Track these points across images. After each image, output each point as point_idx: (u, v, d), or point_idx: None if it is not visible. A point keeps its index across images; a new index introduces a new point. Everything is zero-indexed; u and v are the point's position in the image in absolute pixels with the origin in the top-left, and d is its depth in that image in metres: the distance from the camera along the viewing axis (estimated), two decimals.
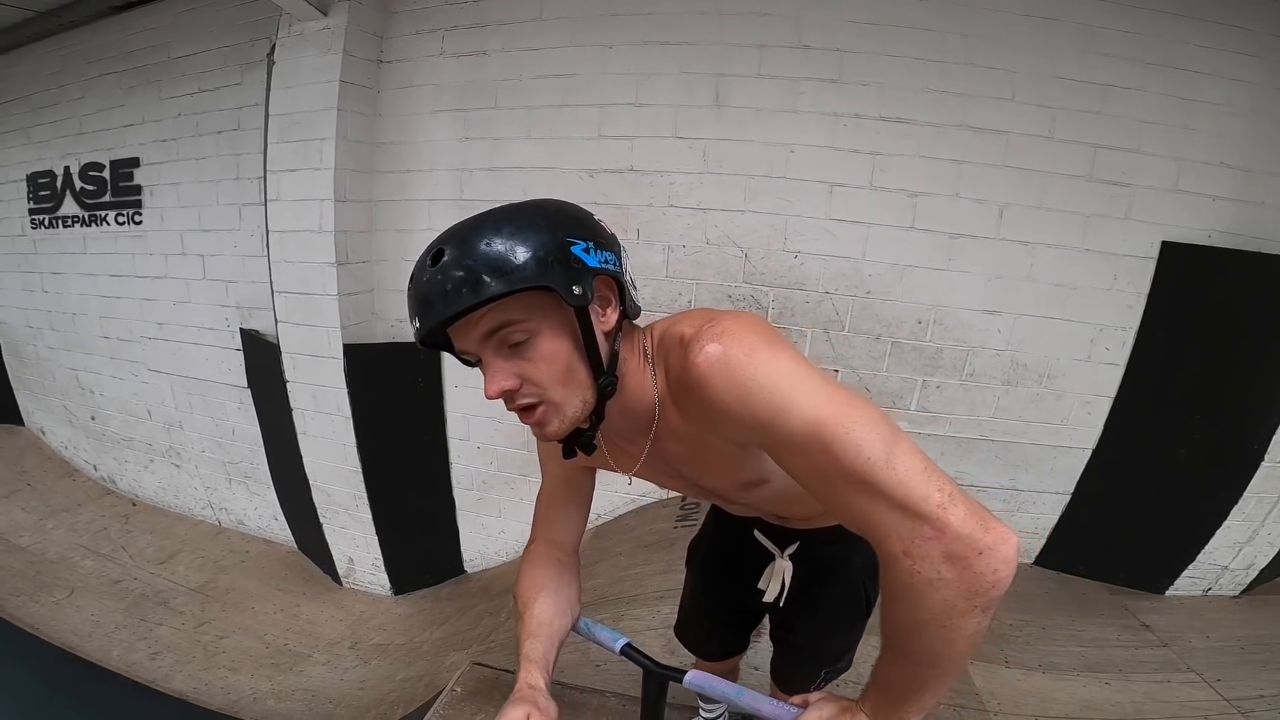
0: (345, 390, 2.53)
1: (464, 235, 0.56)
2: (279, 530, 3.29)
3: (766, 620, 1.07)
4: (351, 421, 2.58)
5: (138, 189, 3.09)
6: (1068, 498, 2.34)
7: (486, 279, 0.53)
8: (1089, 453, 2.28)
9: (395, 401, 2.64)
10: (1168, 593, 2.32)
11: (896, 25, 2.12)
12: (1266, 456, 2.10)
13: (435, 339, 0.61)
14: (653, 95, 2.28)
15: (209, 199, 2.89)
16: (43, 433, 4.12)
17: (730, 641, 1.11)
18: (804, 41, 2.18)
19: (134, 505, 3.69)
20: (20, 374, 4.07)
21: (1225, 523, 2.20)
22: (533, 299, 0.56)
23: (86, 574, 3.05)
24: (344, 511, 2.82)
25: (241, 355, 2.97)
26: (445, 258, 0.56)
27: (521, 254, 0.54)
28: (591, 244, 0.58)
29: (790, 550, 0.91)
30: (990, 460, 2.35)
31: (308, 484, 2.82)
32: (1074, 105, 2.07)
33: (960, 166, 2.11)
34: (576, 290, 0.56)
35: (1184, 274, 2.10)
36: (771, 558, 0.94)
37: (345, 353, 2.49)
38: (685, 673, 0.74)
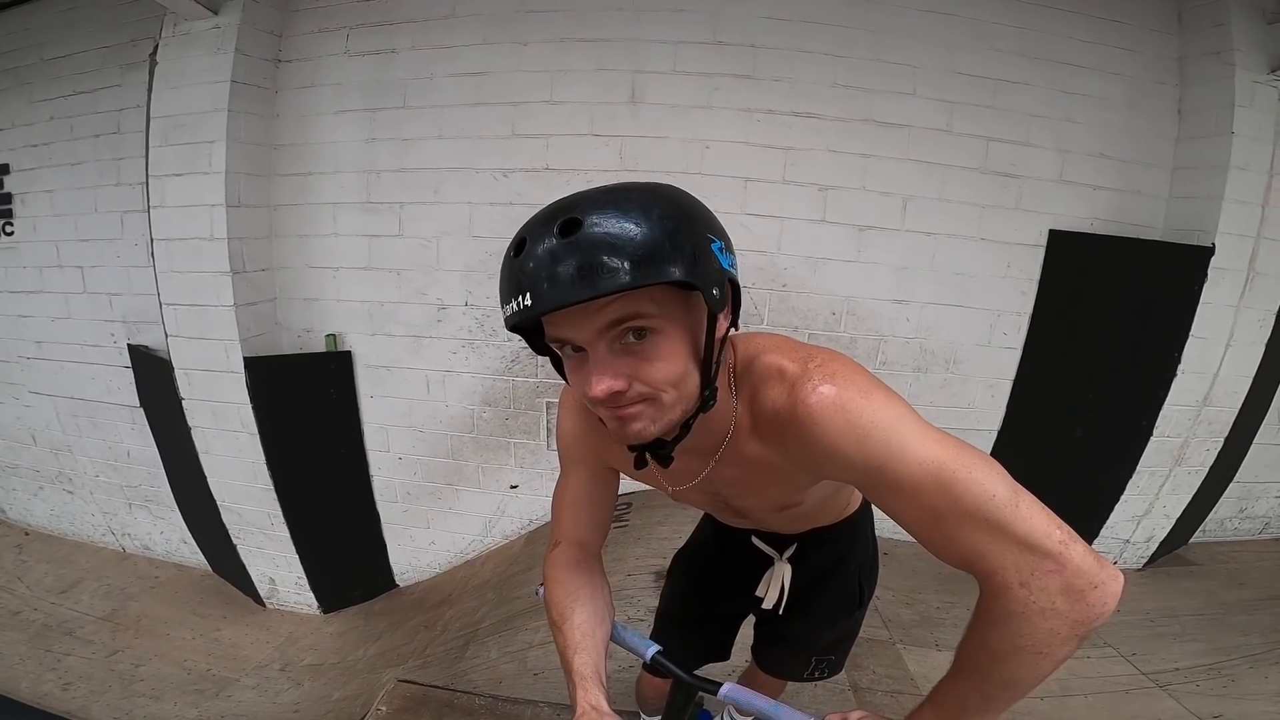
0: (249, 406, 2.39)
1: (603, 207, 0.48)
2: (190, 554, 3.10)
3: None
4: (258, 438, 2.44)
5: (7, 197, 2.83)
6: None
7: (636, 263, 0.46)
8: (995, 434, 2.38)
9: (306, 415, 2.51)
10: None
11: (807, 21, 2.16)
12: (1155, 431, 2.24)
13: (530, 321, 0.52)
14: (568, 92, 2.25)
15: (86, 207, 2.68)
16: None
17: (709, 651, 1.06)
18: (719, 37, 2.19)
19: (27, 534, 3.42)
20: None
21: (1123, 497, 2.33)
22: (665, 294, 0.51)
23: None
24: (259, 531, 2.67)
25: (131, 373, 2.76)
26: (582, 230, 0.47)
27: (674, 243, 0.48)
28: (723, 243, 0.53)
29: (788, 553, 0.91)
30: None
31: (215, 505, 2.65)
32: (969, 99, 2.17)
33: (867, 160, 2.17)
34: (716, 293, 0.51)
35: (1070, 260, 2.22)
36: (769, 563, 0.92)
37: (246, 366, 2.34)
38: (720, 685, 0.69)
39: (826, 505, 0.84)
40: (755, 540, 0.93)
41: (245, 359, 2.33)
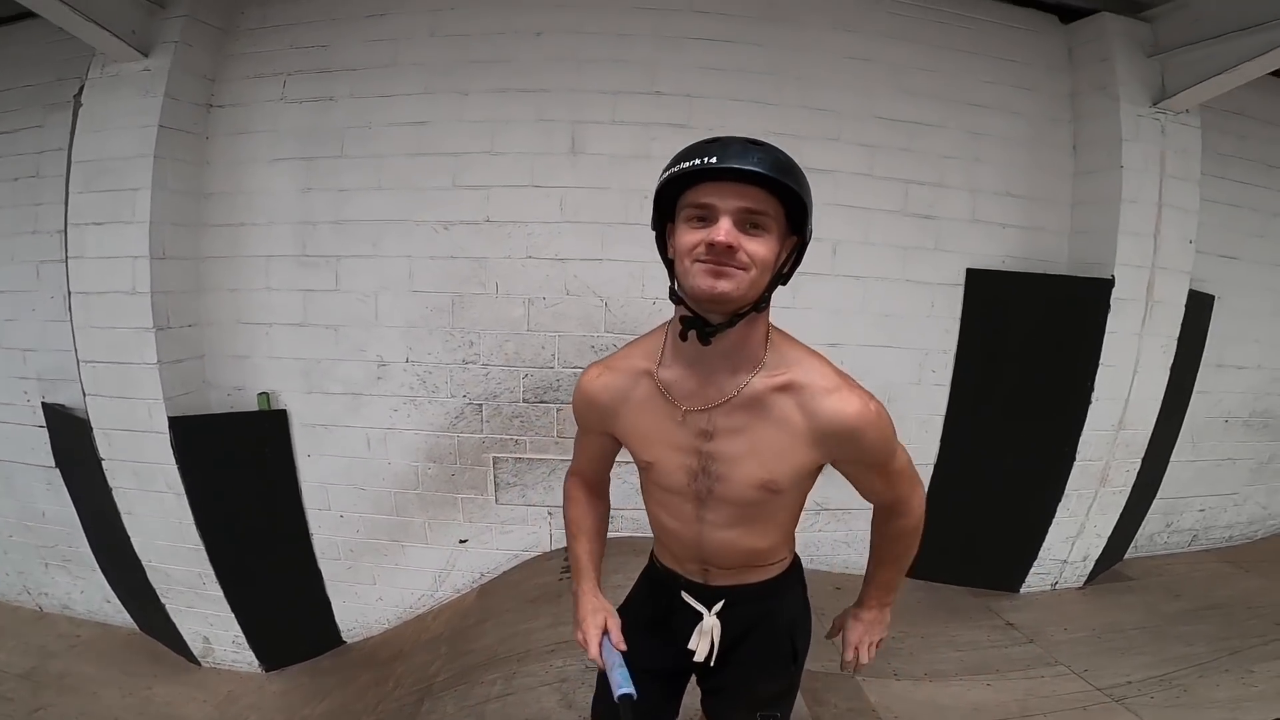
0: (174, 466, 2.26)
1: (772, 145, 0.72)
2: (113, 613, 2.91)
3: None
4: (186, 498, 2.31)
5: None
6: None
7: (791, 174, 0.71)
8: (932, 467, 2.46)
9: (238, 475, 2.40)
10: (1022, 590, 2.52)
11: (739, 70, 2.26)
12: (1078, 456, 2.35)
13: (678, 188, 0.74)
14: (509, 143, 2.27)
15: (2, 256, 2.54)
16: None
17: (657, 712, 1.06)
18: (656, 87, 2.26)
19: None
20: None
21: (1055, 519, 2.43)
22: (778, 214, 0.73)
23: None
24: (189, 590, 2.52)
25: (46, 432, 2.60)
26: (762, 145, 0.71)
27: (807, 187, 0.73)
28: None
29: (717, 609, 0.96)
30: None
31: (140, 565, 2.50)
32: (889, 143, 2.29)
33: None
34: (810, 230, 0.78)
35: (986, 297, 2.34)
36: (699, 619, 0.98)
37: (172, 426, 2.23)
38: None
39: (779, 532, 0.95)
40: (685, 596, 0.98)
41: (170, 419, 2.22)
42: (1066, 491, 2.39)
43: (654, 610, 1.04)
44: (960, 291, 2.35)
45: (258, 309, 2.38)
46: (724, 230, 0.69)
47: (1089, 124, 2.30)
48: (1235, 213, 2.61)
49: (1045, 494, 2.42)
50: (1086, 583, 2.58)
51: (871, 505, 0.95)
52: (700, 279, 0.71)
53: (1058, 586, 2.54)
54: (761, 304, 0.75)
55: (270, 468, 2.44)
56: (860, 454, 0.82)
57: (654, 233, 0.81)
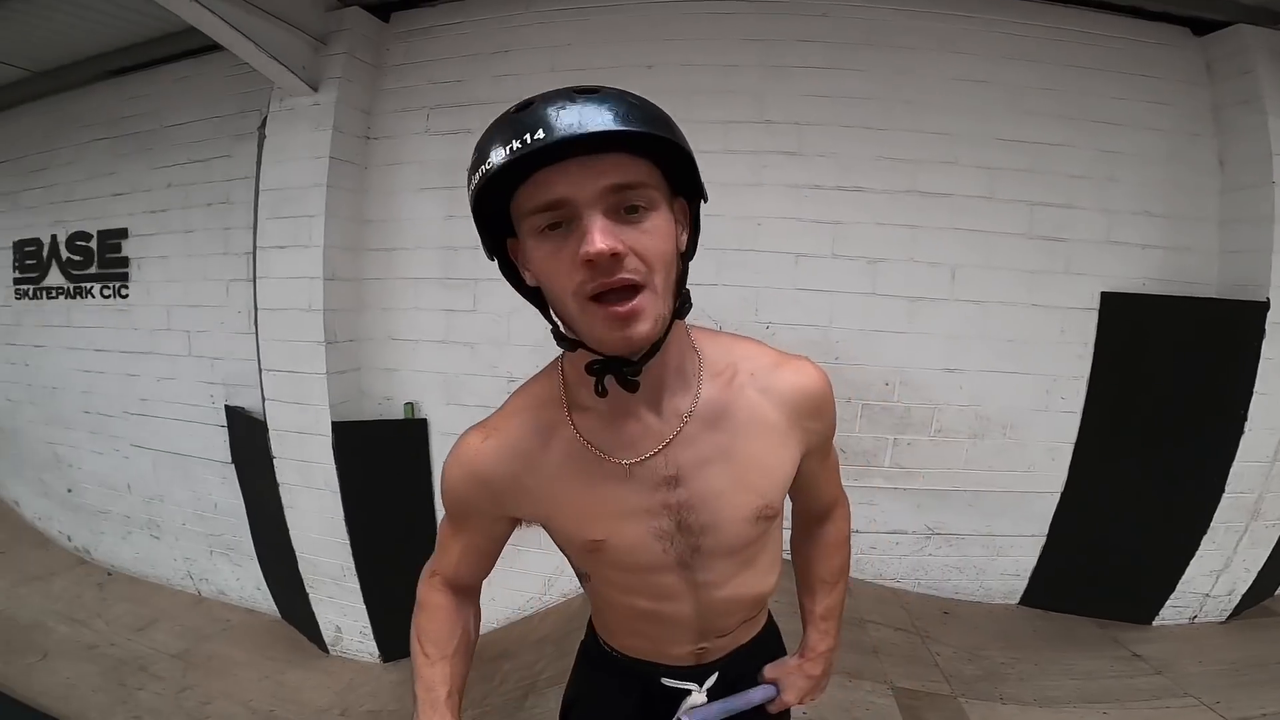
0: (333, 466, 2.53)
1: (614, 89, 0.49)
2: (262, 600, 3.22)
3: None
4: (340, 495, 2.57)
5: (125, 261, 3.08)
6: (1044, 539, 2.40)
7: (652, 120, 0.48)
8: (1058, 496, 2.35)
9: (383, 476, 2.64)
10: (1154, 623, 2.36)
11: (847, 97, 2.28)
12: (1227, 488, 2.19)
13: (503, 186, 0.49)
14: None
15: (196, 274, 2.90)
16: (17, 504, 4.02)
17: None
18: (765, 116, 2.32)
19: (109, 575, 3.61)
20: None
21: (1198, 552, 2.27)
22: (656, 177, 0.51)
23: (61, 639, 2.97)
24: (331, 581, 2.77)
25: (226, 431, 2.96)
26: (601, 92, 0.48)
27: (675, 128, 0.51)
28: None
29: (709, 683, 0.77)
30: (965, 509, 2.39)
31: (294, 555, 2.78)
32: (1010, 165, 2.23)
33: (914, 231, 2.24)
34: (702, 185, 0.54)
35: (1125, 322, 2.23)
36: (683, 697, 0.78)
37: (334, 430, 2.50)
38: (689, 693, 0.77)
39: (778, 561, 0.75)
40: (667, 682, 0.78)
41: (333, 423, 2.49)
42: (1213, 524, 2.23)
43: (626, 706, 0.82)
44: (1094, 315, 2.25)
45: (406, 327, 2.61)
46: (597, 236, 0.47)
47: (1235, 138, 2.18)
48: None
49: (1187, 526, 2.27)
50: (1230, 617, 2.39)
51: (801, 521, 0.83)
52: (605, 331, 0.50)
53: (1196, 620, 2.37)
54: (685, 307, 0.56)
55: (410, 471, 2.66)
56: (824, 430, 0.70)
57: (493, 261, 0.57)
